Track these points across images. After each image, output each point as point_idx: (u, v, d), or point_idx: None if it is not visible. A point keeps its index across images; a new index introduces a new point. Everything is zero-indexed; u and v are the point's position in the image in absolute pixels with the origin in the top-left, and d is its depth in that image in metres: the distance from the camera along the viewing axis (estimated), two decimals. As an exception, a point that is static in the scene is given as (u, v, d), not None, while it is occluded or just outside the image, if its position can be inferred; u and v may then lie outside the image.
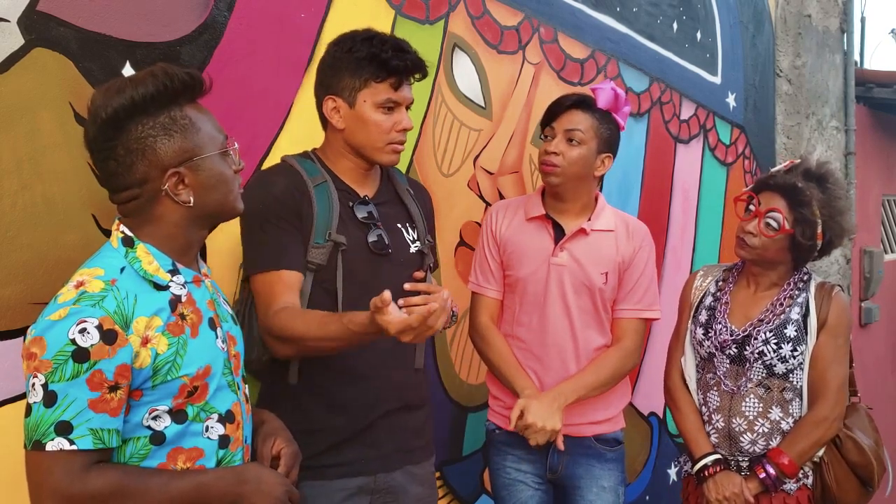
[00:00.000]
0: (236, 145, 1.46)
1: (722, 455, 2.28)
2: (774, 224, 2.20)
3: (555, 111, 2.23)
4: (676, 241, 3.90)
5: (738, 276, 2.39)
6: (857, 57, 6.04)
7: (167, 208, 1.38)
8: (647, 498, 3.71)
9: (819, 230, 2.20)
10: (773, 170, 2.34)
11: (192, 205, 1.37)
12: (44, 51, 1.60)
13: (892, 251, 6.74)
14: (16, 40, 1.56)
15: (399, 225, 1.87)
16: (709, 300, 2.37)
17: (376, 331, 1.50)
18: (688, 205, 3.96)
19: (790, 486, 2.24)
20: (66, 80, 1.64)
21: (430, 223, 2.00)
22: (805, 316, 2.25)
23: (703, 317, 2.35)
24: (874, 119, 6.07)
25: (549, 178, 2.21)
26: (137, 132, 1.33)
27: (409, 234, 1.88)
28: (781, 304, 2.27)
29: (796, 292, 2.28)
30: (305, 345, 1.65)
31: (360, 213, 1.80)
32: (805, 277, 2.32)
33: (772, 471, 2.20)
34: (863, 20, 6.78)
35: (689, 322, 2.40)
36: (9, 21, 1.55)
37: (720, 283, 2.39)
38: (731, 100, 4.23)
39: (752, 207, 2.27)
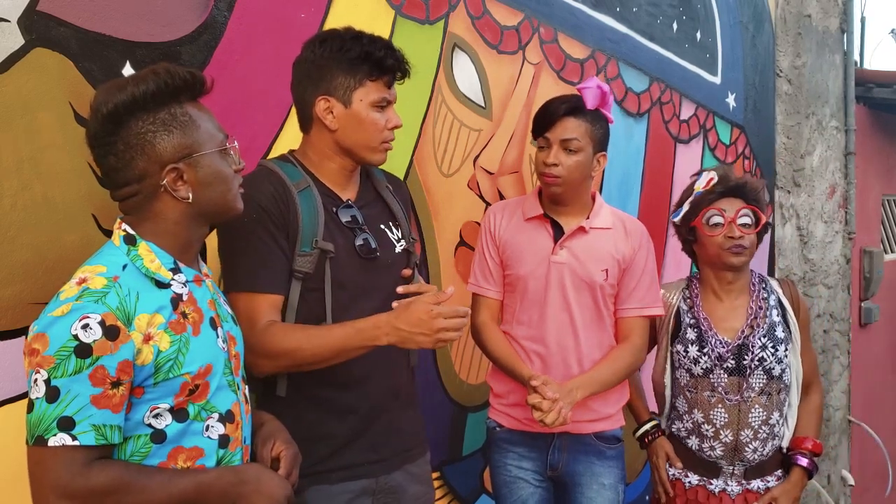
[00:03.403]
0: (236, 144, 1.46)
1: (658, 421, 2.47)
2: (749, 221, 2.31)
3: (548, 120, 2.21)
4: (676, 240, 3.89)
5: (702, 290, 2.41)
6: (857, 57, 6.04)
7: (166, 205, 1.38)
8: (647, 498, 3.71)
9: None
10: (701, 189, 2.36)
11: (190, 201, 1.38)
12: (44, 51, 1.60)
13: (892, 251, 6.74)
14: (16, 40, 1.56)
15: (383, 226, 1.86)
16: (687, 318, 2.38)
17: (385, 327, 1.61)
18: (688, 205, 3.96)
19: (773, 483, 2.36)
20: (66, 80, 1.64)
21: (411, 215, 1.99)
22: (784, 315, 2.37)
23: (691, 334, 2.36)
24: (874, 119, 6.07)
25: (551, 189, 2.22)
26: (137, 128, 1.34)
27: (394, 234, 1.87)
28: (761, 308, 2.35)
29: (764, 294, 2.38)
30: (299, 356, 1.64)
31: (344, 218, 1.78)
32: (761, 277, 2.43)
33: (805, 459, 2.35)
34: (863, 20, 6.78)
35: (675, 344, 2.39)
36: (9, 21, 1.55)
37: (689, 301, 2.41)
38: (731, 100, 4.23)
39: (717, 220, 2.31)
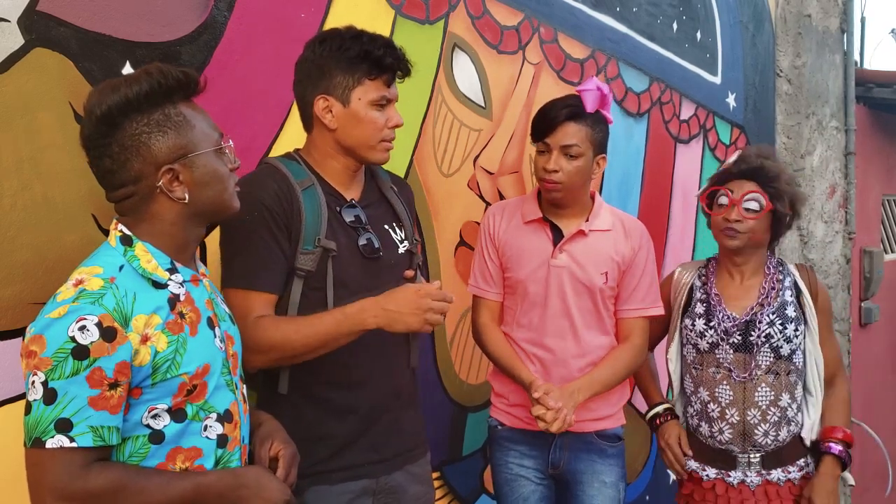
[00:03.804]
0: (231, 143, 1.46)
1: (671, 405, 2.46)
2: (756, 206, 2.27)
3: (548, 125, 2.19)
4: (676, 240, 3.90)
5: (717, 269, 2.42)
6: (857, 57, 6.05)
7: (162, 206, 1.38)
8: (647, 498, 3.71)
9: (787, 200, 2.30)
10: (725, 164, 2.38)
11: (187, 202, 1.38)
12: (44, 51, 1.60)
13: (892, 251, 6.74)
14: (16, 40, 1.56)
15: (386, 226, 1.86)
16: (699, 293, 2.39)
17: (378, 310, 1.61)
18: (687, 205, 3.96)
19: (795, 474, 2.31)
20: (66, 80, 1.64)
21: (414, 216, 1.99)
22: (797, 296, 2.33)
23: (699, 308, 2.37)
24: (874, 119, 6.07)
25: (551, 195, 2.21)
26: (132, 129, 1.34)
27: (397, 235, 1.87)
28: (774, 288, 2.33)
29: (780, 276, 2.35)
30: (289, 348, 1.64)
31: (348, 217, 1.78)
32: (780, 261, 2.41)
33: (838, 447, 2.29)
34: (863, 20, 6.79)
35: (684, 318, 2.41)
36: (9, 21, 1.55)
37: (703, 278, 2.42)
38: (731, 100, 4.23)
39: (723, 200, 2.31)
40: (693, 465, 2.38)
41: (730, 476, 2.32)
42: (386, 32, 2.37)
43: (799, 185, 2.40)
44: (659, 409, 2.46)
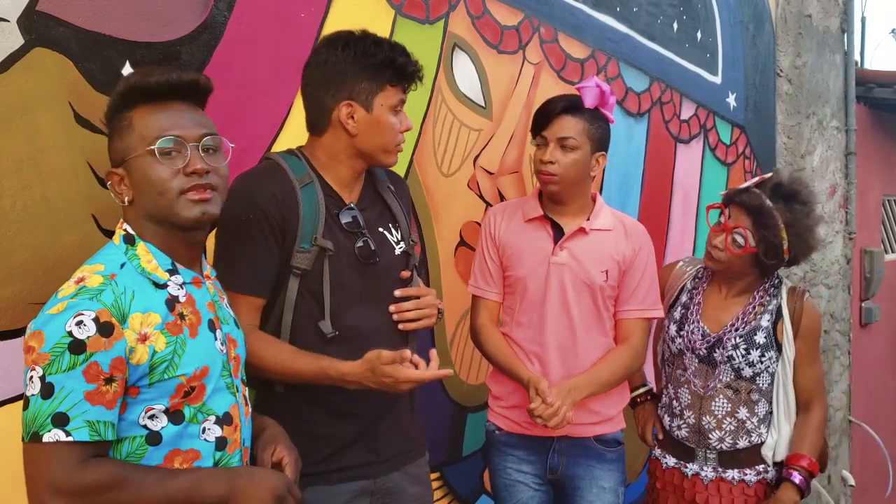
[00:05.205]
0: (192, 147, 1.38)
1: (651, 387, 2.59)
2: (740, 241, 2.27)
3: (545, 118, 2.21)
4: (676, 241, 3.90)
5: (710, 278, 2.45)
6: (857, 57, 6.05)
7: (125, 208, 1.42)
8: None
9: (784, 248, 2.26)
10: (744, 185, 2.35)
11: (127, 204, 1.40)
12: (44, 51, 1.60)
13: (892, 251, 6.74)
14: (16, 40, 1.56)
15: (382, 228, 1.86)
16: (684, 297, 2.44)
17: (357, 381, 1.64)
18: (688, 205, 3.96)
19: (751, 477, 2.36)
20: (66, 80, 1.64)
21: (412, 212, 2.00)
22: (775, 323, 2.33)
23: (677, 314, 2.42)
24: (874, 119, 6.07)
25: (547, 187, 2.22)
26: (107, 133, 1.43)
27: (394, 236, 1.87)
28: (753, 311, 2.35)
29: (767, 298, 2.36)
30: (267, 372, 1.67)
31: (345, 220, 1.78)
32: (776, 282, 2.39)
33: (799, 476, 2.30)
34: (863, 20, 6.79)
35: (666, 317, 2.46)
36: (9, 21, 1.55)
37: (695, 281, 2.46)
38: (731, 100, 4.23)
39: (721, 220, 2.33)
40: (657, 452, 2.51)
41: (686, 467, 2.41)
42: (386, 32, 2.37)
43: (809, 232, 2.29)
44: (641, 390, 2.56)
